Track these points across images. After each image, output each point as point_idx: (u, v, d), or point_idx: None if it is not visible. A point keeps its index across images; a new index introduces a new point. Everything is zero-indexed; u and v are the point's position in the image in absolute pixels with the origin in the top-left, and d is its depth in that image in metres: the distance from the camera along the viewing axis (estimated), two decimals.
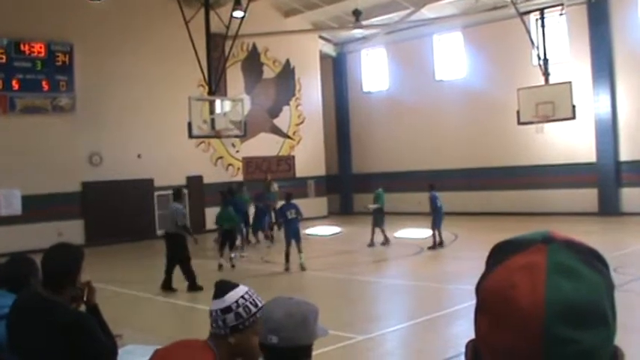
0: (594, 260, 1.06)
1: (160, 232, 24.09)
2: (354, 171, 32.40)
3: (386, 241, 19.03)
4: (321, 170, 31.08)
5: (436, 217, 18.14)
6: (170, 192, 23.50)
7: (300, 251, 15.28)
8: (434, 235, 18.04)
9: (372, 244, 19.07)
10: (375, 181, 26.27)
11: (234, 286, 2.58)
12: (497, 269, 1.07)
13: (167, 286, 13.56)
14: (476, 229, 21.67)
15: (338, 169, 32.76)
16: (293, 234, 15.39)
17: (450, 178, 27.71)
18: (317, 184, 30.71)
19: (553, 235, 1.08)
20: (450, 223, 23.35)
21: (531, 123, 22.35)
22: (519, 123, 22.64)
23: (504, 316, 1.02)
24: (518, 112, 22.49)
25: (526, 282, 1.01)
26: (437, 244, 18.02)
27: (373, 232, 19.03)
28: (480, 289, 1.09)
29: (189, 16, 20.00)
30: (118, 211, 23.34)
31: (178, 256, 13.46)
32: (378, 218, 19.06)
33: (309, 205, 27.02)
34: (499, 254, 1.09)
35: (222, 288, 2.56)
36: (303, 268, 15.16)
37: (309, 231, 21.64)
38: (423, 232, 21.38)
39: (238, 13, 21.78)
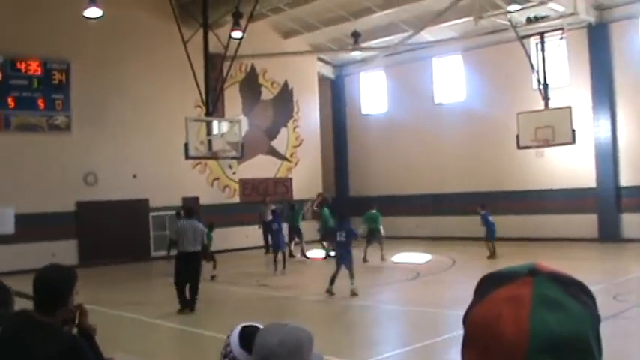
0: (580, 292, 1.08)
1: (154, 254, 24.11)
2: (352, 194, 32.34)
3: (365, 260, 19.99)
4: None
5: (489, 230, 20.31)
6: (169, 213, 23.91)
7: (351, 277, 14.43)
8: (490, 247, 20.20)
9: (365, 259, 20.06)
10: (374, 204, 26.15)
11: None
12: (484, 301, 1.09)
13: (184, 309, 13.35)
14: (474, 254, 21.55)
15: (335, 192, 32.67)
16: (342, 258, 14.63)
17: (448, 202, 27.78)
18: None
19: (539, 268, 1.10)
20: (449, 248, 23.52)
21: (531, 147, 22.38)
22: (519, 147, 22.68)
23: (490, 347, 1.03)
24: (517, 137, 22.55)
25: (511, 314, 1.03)
26: (492, 254, 20.03)
27: (365, 249, 20.19)
28: (466, 320, 1.11)
29: (188, 36, 19.98)
30: (112, 231, 23.21)
31: (194, 275, 13.34)
32: (371, 238, 20.58)
33: (306, 227, 26.71)
34: (486, 286, 1.11)
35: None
36: (354, 293, 14.36)
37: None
38: (420, 257, 21.40)
39: (237, 34, 21.84)
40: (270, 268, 19.41)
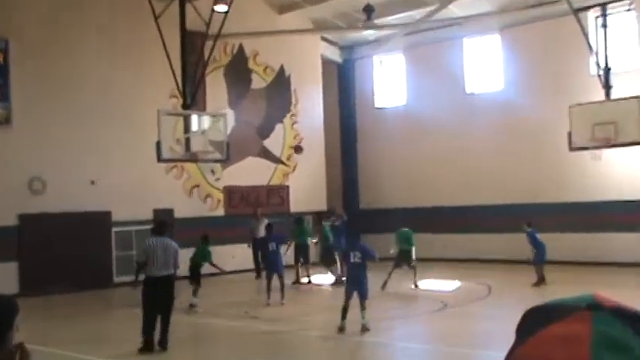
0: None
1: (117, 280, 23.93)
2: (363, 206, 32.27)
3: (384, 285, 20.42)
4: (321, 204, 30.84)
5: (538, 252, 20.64)
6: (136, 229, 23.89)
7: (362, 308, 14.38)
8: (539, 271, 20.35)
9: (384, 285, 20.42)
10: (389, 219, 26.03)
11: None
12: (530, 340, 1.11)
13: (150, 347, 13.28)
14: (515, 280, 21.60)
15: (343, 204, 32.46)
16: (354, 283, 14.62)
17: (482, 217, 27.75)
18: (316, 222, 30.44)
19: (598, 300, 1.12)
20: (483, 273, 23.64)
21: (587, 148, 22.29)
22: (571, 148, 22.59)
23: None
24: (569, 135, 22.43)
25: (565, 357, 1.04)
26: (540, 281, 20.24)
27: (390, 273, 20.51)
28: None
29: (160, 10, 20.08)
30: (64, 252, 22.96)
31: (166, 305, 13.36)
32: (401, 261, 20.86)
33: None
34: (533, 322, 1.13)
35: None
36: (365, 329, 14.35)
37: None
38: (448, 283, 21.58)
39: (221, 7, 21.88)
40: (263, 297, 19.29)
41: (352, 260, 14.66)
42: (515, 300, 17.57)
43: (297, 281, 22.63)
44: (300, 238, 23.44)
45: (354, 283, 14.57)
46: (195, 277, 18.63)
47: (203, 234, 19.72)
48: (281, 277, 19.30)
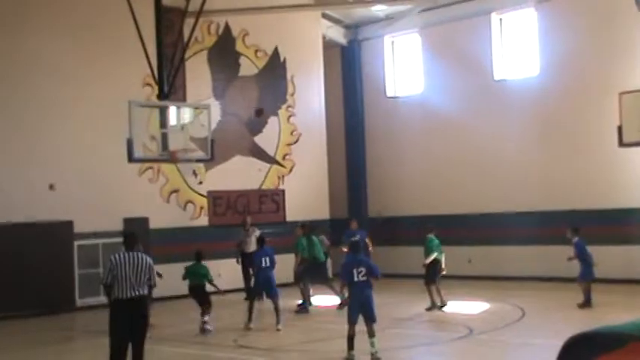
0: None
1: (81, 303, 23.87)
2: (372, 214, 32.26)
3: (433, 305, 20.87)
4: (323, 212, 31.12)
5: (585, 268, 20.68)
6: (104, 241, 24.05)
7: (370, 335, 14.37)
8: (585, 290, 20.46)
9: (432, 306, 20.90)
10: (403, 228, 25.96)
11: None
12: None
13: None
14: (554, 301, 21.66)
15: (348, 211, 32.60)
16: (360, 306, 14.55)
17: (513, 227, 27.83)
18: (318, 233, 30.42)
19: None
20: (515, 292, 23.78)
21: None
22: (621, 144, 22.49)
23: None
24: (619, 128, 22.32)
25: None
26: (585, 302, 20.33)
27: (430, 291, 20.93)
28: None
29: None
30: (17, 269, 23.01)
31: (140, 331, 13.19)
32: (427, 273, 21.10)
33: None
34: (578, 353, 1.34)
35: None
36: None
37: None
38: (474, 305, 21.69)
39: None
40: (253, 319, 19.37)
41: (356, 278, 14.45)
42: (553, 325, 17.41)
43: (300, 307, 22.37)
44: (315, 255, 23.16)
45: (360, 306, 14.46)
46: (202, 299, 19.12)
47: (197, 250, 20.00)
48: (275, 299, 19.29)
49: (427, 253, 21.09)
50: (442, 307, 20.86)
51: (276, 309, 19.10)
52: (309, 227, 23.69)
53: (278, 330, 18.66)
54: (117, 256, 13.60)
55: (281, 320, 18.99)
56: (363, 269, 14.46)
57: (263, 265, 19.47)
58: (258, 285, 19.94)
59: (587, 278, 20.56)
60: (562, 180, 26.93)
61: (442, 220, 28.79)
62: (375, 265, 15.01)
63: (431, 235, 21.43)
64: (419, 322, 20.02)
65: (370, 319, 14.35)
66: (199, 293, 19.14)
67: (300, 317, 21.46)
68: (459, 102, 29.75)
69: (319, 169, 31.22)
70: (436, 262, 21.14)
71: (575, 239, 20.84)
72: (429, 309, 20.80)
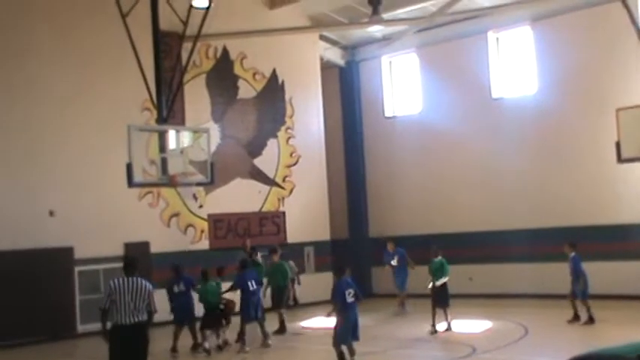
0: None
1: (82, 329, 23.73)
2: (373, 234, 32.21)
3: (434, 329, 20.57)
4: (323, 233, 31.10)
5: (579, 283, 20.39)
6: (104, 267, 23.94)
7: (352, 353, 14.84)
8: (586, 306, 20.20)
9: (434, 330, 20.46)
10: (404, 247, 25.82)
11: None
12: None
13: None
14: (556, 319, 21.40)
15: (349, 232, 32.61)
16: (352, 327, 14.86)
17: (513, 244, 27.77)
18: (318, 254, 30.68)
19: None
20: (517, 310, 23.69)
21: (639, 160, 22.09)
22: (620, 160, 22.40)
23: None
24: (618, 144, 22.24)
25: None
26: (589, 319, 20.03)
27: (434, 314, 20.55)
28: None
29: (129, 7, 20.08)
30: (17, 296, 22.87)
31: (141, 358, 12.98)
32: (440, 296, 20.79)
33: (307, 283, 27.09)
34: None
35: None
36: None
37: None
38: (476, 323, 21.76)
39: (201, 2, 21.85)
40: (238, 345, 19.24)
41: (348, 300, 14.79)
42: (556, 344, 17.39)
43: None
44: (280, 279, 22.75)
45: (352, 327, 14.82)
46: (218, 318, 19.38)
47: (202, 270, 20.03)
48: (260, 322, 19.50)
49: (439, 276, 20.77)
50: (436, 332, 20.46)
51: (263, 331, 19.44)
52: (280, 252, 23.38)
53: (269, 345, 19.05)
54: (116, 281, 13.43)
55: (269, 336, 19.42)
56: (351, 290, 14.86)
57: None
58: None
59: (584, 295, 20.31)
60: (561, 197, 26.91)
61: (443, 239, 28.64)
62: (356, 289, 15.18)
63: (441, 258, 21.13)
64: (422, 342, 19.88)
65: (356, 338, 14.85)
66: (214, 314, 19.20)
67: (287, 341, 21.24)
68: (457, 121, 29.74)
69: (319, 190, 31.19)
70: (444, 284, 20.90)
71: (572, 254, 20.65)
72: (432, 332, 20.46)
